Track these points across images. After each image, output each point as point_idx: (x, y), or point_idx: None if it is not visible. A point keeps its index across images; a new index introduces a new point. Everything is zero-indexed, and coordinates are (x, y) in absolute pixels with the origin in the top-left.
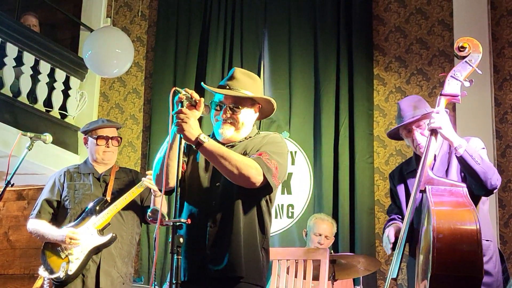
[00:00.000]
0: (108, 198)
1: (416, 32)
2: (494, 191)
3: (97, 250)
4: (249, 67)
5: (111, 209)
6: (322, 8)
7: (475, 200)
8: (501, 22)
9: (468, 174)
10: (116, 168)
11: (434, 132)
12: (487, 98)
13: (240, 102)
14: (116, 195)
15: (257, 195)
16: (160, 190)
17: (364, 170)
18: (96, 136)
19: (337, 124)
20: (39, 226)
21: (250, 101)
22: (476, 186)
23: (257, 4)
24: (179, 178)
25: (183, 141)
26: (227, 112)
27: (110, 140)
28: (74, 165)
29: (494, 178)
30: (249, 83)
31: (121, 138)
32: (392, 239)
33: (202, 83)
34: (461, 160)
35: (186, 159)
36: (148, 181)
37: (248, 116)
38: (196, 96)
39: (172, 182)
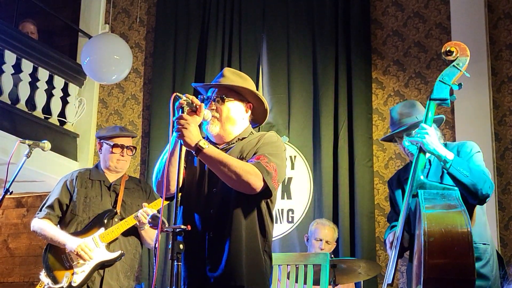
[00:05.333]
0: (118, 210)
1: (414, 36)
2: (487, 199)
3: (103, 264)
4: (248, 72)
5: (122, 224)
6: (320, 12)
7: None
8: (499, 25)
9: (459, 186)
10: (126, 177)
11: None
12: (486, 100)
13: (224, 93)
14: (126, 207)
15: (256, 199)
16: (161, 197)
17: (363, 174)
18: (112, 143)
19: (336, 128)
20: (48, 227)
21: (236, 95)
22: (468, 197)
23: (255, 9)
24: (180, 184)
25: (184, 147)
26: (212, 105)
27: (125, 149)
28: (85, 168)
29: (486, 187)
30: (237, 80)
31: (135, 147)
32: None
33: (192, 83)
34: (450, 175)
35: (185, 165)
36: (142, 215)
37: (234, 110)
38: (196, 101)
39: (173, 188)
